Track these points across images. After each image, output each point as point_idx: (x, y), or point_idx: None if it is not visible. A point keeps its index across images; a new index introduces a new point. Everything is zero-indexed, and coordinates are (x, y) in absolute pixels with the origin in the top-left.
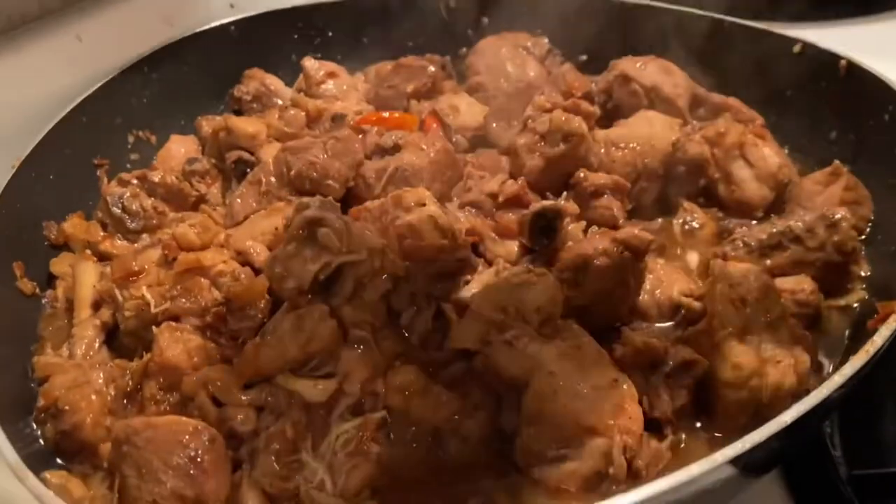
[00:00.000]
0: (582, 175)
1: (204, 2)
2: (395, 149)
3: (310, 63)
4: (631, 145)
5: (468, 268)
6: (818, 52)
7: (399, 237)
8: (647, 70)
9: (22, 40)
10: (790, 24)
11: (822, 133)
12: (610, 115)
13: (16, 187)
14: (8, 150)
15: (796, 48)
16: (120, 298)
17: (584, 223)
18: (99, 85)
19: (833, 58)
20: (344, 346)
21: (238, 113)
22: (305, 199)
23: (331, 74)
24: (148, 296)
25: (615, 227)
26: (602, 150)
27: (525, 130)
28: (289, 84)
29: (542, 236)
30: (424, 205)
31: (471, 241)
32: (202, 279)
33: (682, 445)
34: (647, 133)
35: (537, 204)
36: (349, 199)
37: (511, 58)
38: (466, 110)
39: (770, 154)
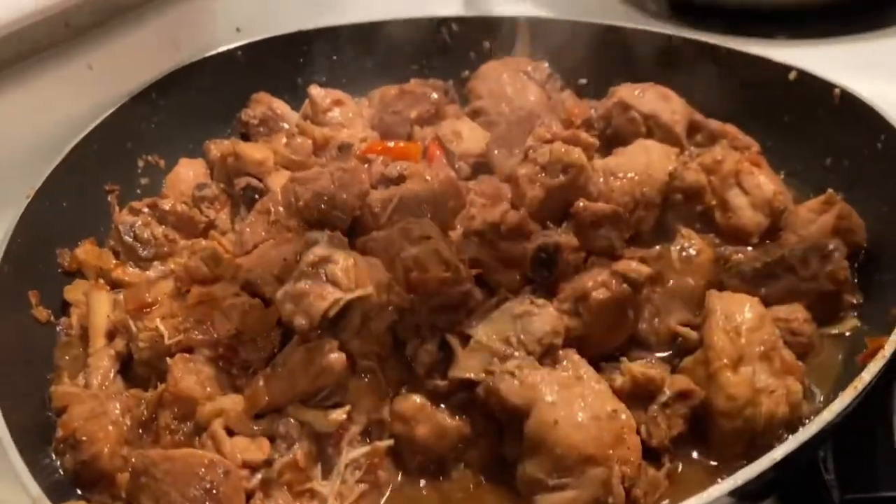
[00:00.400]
0: (581, 205)
1: (210, 27)
2: (400, 179)
3: (316, 91)
4: (629, 175)
5: (471, 300)
6: (813, 79)
7: (405, 269)
8: (645, 97)
9: (35, 70)
10: (786, 43)
11: (818, 159)
12: (609, 141)
13: (31, 216)
14: (23, 177)
15: (792, 75)
16: (134, 329)
17: (583, 253)
18: (109, 112)
19: (827, 86)
20: (352, 377)
21: (245, 136)
22: (314, 235)
23: (337, 102)
24: (162, 328)
25: (614, 256)
26: (601, 180)
27: (526, 161)
28: (295, 108)
29: (542, 269)
30: (430, 238)
31: (474, 274)
32: (214, 311)
33: (679, 472)
34: (645, 162)
35: (538, 237)
36: (355, 227)
37: (512, 83)
38: (469, 136)
39: (765, 182)
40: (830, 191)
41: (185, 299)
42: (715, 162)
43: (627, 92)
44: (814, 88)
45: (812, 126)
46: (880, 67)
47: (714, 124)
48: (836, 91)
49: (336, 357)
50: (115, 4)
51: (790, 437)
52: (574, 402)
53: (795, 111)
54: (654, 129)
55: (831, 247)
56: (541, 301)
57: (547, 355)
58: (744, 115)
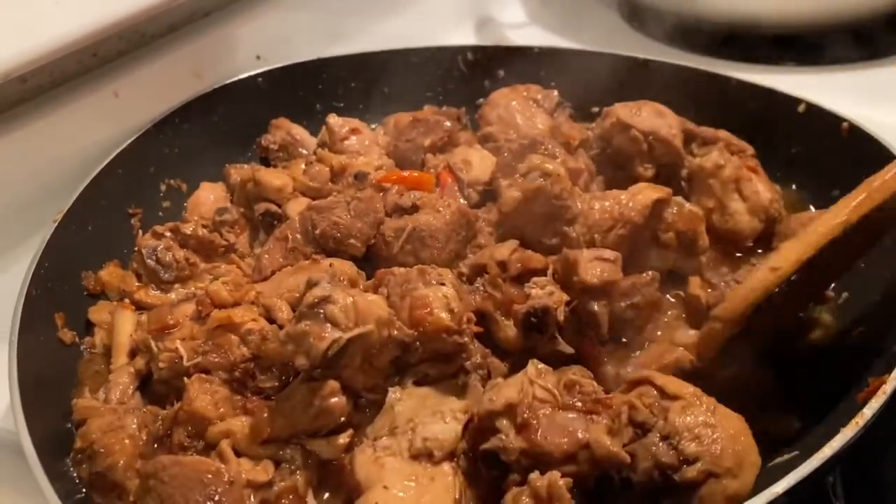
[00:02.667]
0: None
1: (232, 55)
2: (414, 209)
3: (334, 120)
4: (612, 197)
5: (465, 354)
6: (821, 112)
7: (411, 306)
8: (642, 115)
9: (65, 98)
10: (793, 69)
11: (825, 190)
12: (610, 161)
13: (58, 240)
14: (51, 201)
15: (801, 108)
16: (155, 349)
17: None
18: (134, 137)
19: (836, 119)
20: (355, 413)
21: (265, 161)
22: (315, 276)
23: (354, 130)
24: (181, 349)
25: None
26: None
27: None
28: (313, 133)
29: (534, 331)
30: (444, 284)
31: (474, 332)
32: (232, 336)
33: None
34: (632, 191)
35: (526, 301)
36: (369, 255)
37: (521, 110)
38: (478, 164)
39: (763, 189)
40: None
41: (205, 322)
42: (716, 166)
43: (623, 111)
44: (822, 121)
45: (820, 158)
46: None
47: (707, 131)
48: (845, 125)
49: (336, 402)
50: (141, 35)
51: (794, 471)
52: (405, 494)
53: (803, 143)
54: (654, 144)
55: None
56: (461, 416)
57: (422, 455)
58: (752, 146)
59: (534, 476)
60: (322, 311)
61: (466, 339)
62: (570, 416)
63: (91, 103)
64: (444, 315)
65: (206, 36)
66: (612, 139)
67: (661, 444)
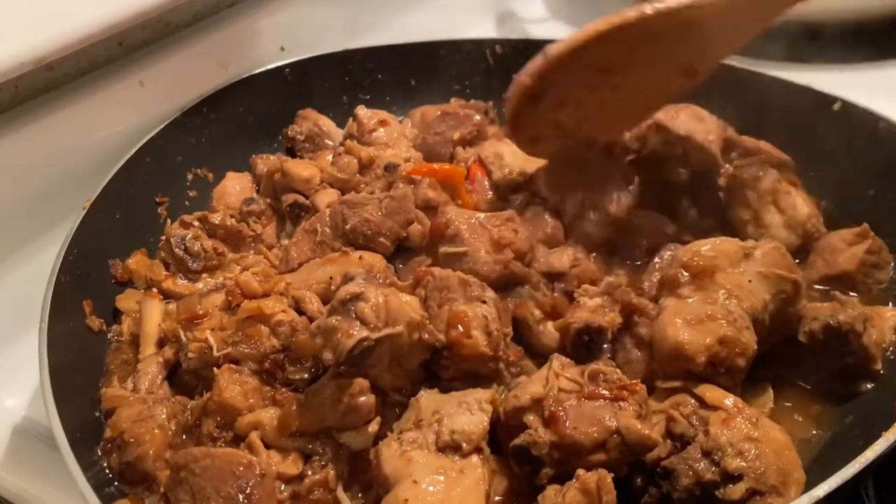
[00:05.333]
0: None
1: (256, 46)
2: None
3: (363, 111)
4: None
5: (498, 378)
6: (857, 110)
7: (448, 322)
8: (679, 118)
9: (91, 87)
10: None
11: (860, 190)
12: (645, 162)
13: (86, 228)
14: (78, 190)
15: (836, 106)
16: (184, 339)
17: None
18: (162, 126)
19: (871, 117)
20: (383, 408)
21: (291, 151)
22: (352, 272)
23: (382, 122)
24: (211, 339)
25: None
26: None
27: None
28: (340, 125)
29: (583, 349)
30: (485, 302)
31: (509, 358)
32: (262, 326)
33: None
34: None
35: (581, 317)
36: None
37: None
38: (510, 158)
39: (801, 203)
40: (866, 224)
41: (235, 313)
42: (754, 178)
43: (662, 113)
44: (858, 119)
45: (855, 157)
46: None
47: (749, 141)
48: (882, 124)
49: (364, 400)
50: (166, 24)
51: (835, 474)
52: (436, 488)
53: (839, 141)
54: (689, 150)
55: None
56: (487, 407)
57: (449, 448)
58: (786, 144)
59: (581, 471)
60: (353, 307)
61: (501, 365)
62: (597, 404)
63: (117, 92)
64: (482, 339)
65: (230, 26)
66: (647, 141)
67: (703, 460)
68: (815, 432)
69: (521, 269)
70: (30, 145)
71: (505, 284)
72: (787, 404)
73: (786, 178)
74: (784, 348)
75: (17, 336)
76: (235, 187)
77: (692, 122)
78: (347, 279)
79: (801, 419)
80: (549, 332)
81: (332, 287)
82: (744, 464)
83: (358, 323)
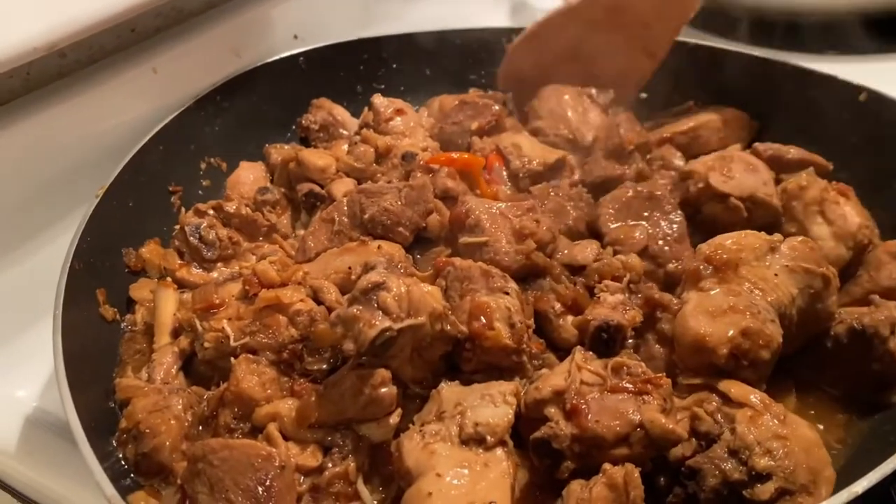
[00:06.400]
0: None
1: (270, 34)
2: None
3: (379, 100)
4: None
5: (521, 371)
6: (884, 100)
7: (471, 313)
8: (734, 177)
9: (104, 74)
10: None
11: (888, 179)
12: (702, 225)
13: (99, 216)
14: (90, 178)
15: (862, 96)
16: (200, 329)
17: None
18: (175, 114)
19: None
20: (403, 401)
21: (304, 140)
22: (373, 260)
23: (398, 111)
24: (228, 329)
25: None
26: None
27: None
28: (354, 114)
29: (602, 346)
30: (508, 293)
31: (532, 350)
32: (280, 316)
33: None
34: None
35: (600, 314)
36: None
37: (573, 106)
38: (529, 149)
39: (851, 213)
40: None
41: (252, 302)
42: (799, 188)
43: (714, 177)
44: (885, 110)
45: (882, 148)
46: None
47: (794, 153)
48: None
49: (386, 391)
50: (179, 11)
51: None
52: (460, 482)
53: (864, 133)
54: (753, 210)
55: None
56: (512, 399)
57: (472, 440)
58: (808, 135)
59: (608, 465)
60: (375, 297)
61: (525, 358)
62: (621, 397)
63: (130, 79)
64: (505, 331)
65: (243, 14)
66: (702, 206)
67: (730, 459)
68: (838, 442)
69: (543, 259)
70: (42, 133)
71: (525, 276)
72: (811, 412)
73: (836, 189)
74: (810, 351)
75: (29, 326)
76: (249, 177)
77: (747, 176)
78: (369, 268)
79: (824, 427)
80: (568, 326)
81: (353, 276)
82: (772, 462)
83: (380, 313)
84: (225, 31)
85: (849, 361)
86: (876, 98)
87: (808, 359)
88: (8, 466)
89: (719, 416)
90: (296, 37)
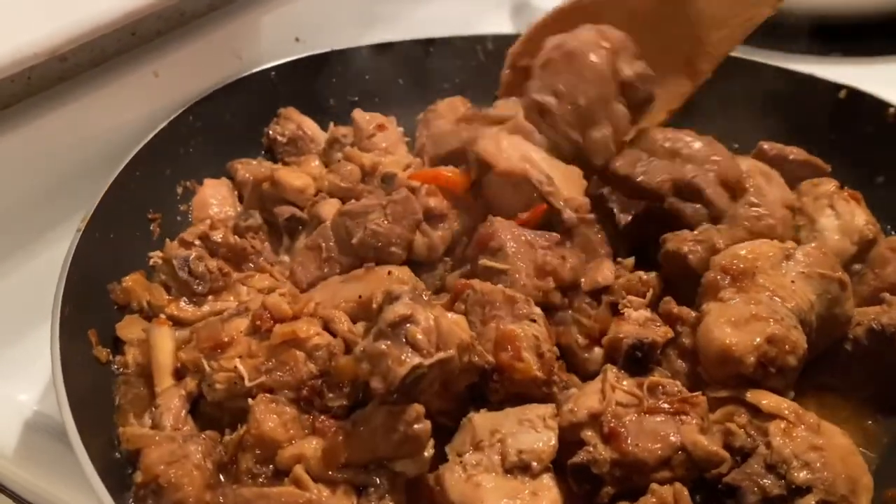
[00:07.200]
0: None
1: (271, 37)
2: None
3: (360, 115)
4: None
5: (549, 400)
6: (864, 98)
7: (497, 343)
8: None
9: (104, 78)
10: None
11: (869, 177)
12: None
13: (84, 250)
14: (90, 182)
15: (841, 94)
16: (208, 369)
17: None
18: (150, 136)
19: (880, 104)
20: None
21: (270, 152)
22: (396, 289)
23: (380, 127)
24: (241, 368)
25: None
26: None
27: None
28: (324, 128)
29: (635, 364)
30: (535, 321)
31: (560, 381)
32: (297, 352)
33: None
34: None
35: (631, 332)
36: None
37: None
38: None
39: (859, 212)
40: None
41: (264, 338)
42: (811, 184)
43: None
44: (865, 107)
45: (863, 144)
46: None
47: (795, 154)
48: (891, 110)
49: (421, 427)
50: (180, 14)
51: None
52: None
53: (845, 129)
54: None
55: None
56: (552, 423)
57: (517, 469)
58: (789, 134)
59: (655, 485)
60: (404, 331)
61: (555, 389)
62: (659, 419)
63: (131, 83)
64: (534, 362)
65: (244, 17)
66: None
67: (768, 474)
68: (867, 447)
69: (560, 300)
70: (43, 136)
71: (545, 307)
72: (836, 418)
73: (848, 193)
74: (831, 356)
75: (31, 329)
76: (216, 196)
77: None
78: (393, 298)
79: (850, 432)
80: (596, 358)
81: (374, 305)
82: (811, 475)
83: (409, 348)
84: (226, 34)
85: (871, 363)
86: (856, 95)
87: (828, 364)
88: (7, 470)
89: (751, 429)
90: (297, 39)
